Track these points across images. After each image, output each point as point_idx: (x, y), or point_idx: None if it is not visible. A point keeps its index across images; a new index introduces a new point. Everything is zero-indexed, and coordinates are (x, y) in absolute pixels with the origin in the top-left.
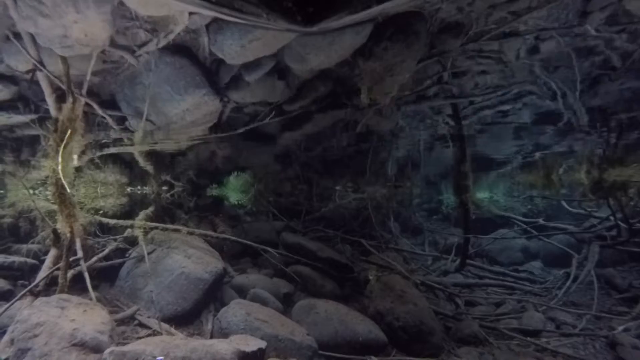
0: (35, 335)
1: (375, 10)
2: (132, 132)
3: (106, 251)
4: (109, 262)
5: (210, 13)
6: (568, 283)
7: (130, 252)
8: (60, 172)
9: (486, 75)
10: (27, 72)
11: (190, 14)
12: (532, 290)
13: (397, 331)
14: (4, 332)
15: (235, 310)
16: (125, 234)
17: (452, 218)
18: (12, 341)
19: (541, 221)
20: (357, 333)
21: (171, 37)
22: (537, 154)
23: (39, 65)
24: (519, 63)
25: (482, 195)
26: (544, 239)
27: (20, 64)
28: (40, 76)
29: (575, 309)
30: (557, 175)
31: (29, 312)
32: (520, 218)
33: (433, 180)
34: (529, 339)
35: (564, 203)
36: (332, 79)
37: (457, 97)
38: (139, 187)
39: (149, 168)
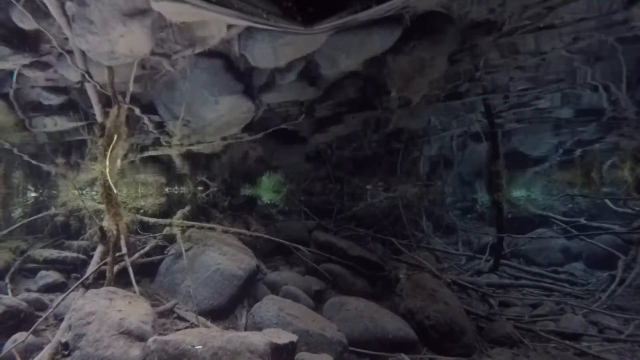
0: (89, 323)
1: (376, 9)
2: (170, 134)
3: (147, 248)
4: (150, 259)
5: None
6: (613, 286)
7: (168, 249)
8: (107, 174)
9: (521, 70)
10: (77, 82)
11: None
12: (572, 292)
13: (428, 330)
14: (61, 320)
15: (268, 306)
16: (164, 232)
17: (486, 217)
18: (69, 327)
19: (582, 220)
20: (387, 330)
21: (208, 46)
22: (578, 151)
23: (87, 76)
24: (557, 56)
25: (518, 193)
26: (586, 239)
27: (71, 74)
28: (88, 85)
29: (622, 314)
30: (599, 172)
31: (82, 302)
32: (560, 217)
33: (467, 178)
34: (567, 342)
35: (608, 202)
36: (361, 79)
37: (490, 93)
38: (176, 188)
39: (186, 169)
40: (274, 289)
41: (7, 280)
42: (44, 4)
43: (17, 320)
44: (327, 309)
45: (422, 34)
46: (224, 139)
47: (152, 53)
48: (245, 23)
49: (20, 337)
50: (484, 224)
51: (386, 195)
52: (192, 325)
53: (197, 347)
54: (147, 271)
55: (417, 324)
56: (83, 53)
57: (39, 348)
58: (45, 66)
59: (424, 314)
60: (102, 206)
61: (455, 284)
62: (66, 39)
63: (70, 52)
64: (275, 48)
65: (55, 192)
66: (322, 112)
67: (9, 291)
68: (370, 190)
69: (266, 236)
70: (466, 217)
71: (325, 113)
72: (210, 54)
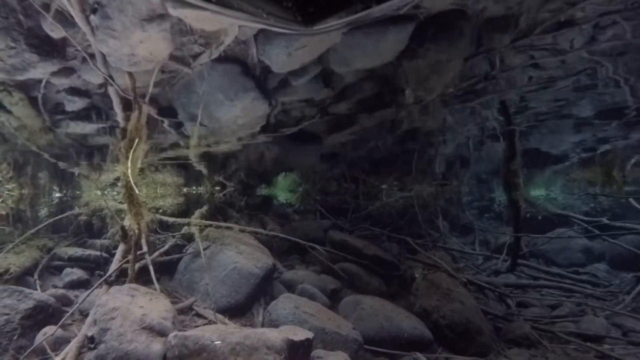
0: (113, 318)
1: (377, 9)
2: (188, 136)
3: (166, 247)
4: (169, 257)
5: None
6: (638, 288)
7: (187, 248)
8: (129, 175)
9: (539, 68)
10: (100, 86)
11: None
12: (593, 294)
13: (443, 329)
14: (86, 315)
15: (284, 304)
16: (183, 231)
17: (504, 216)
18: (95, 322)
19: (605, 220)
20: (402, 329)
21: (222, 48)
22: (600, 148)
23: (109, 80)
24: (577, 52)
25: (537, 192)
26: (609, 239)
27: (93, 78)
28: (110, 89)
29: None
30: (622, 171)
31: (106, 298)
32: (581, 217)
33: (484, 177)
34: (588, 344)
35: (632, 201)
36: (376, 79)
37: (507, 91)
38: (194, 188)
39: (203, 169)
40: (290, 287)
41: (35, 276)
42: (70, 14)
43: (46, 314)
44: (343, 308)
45: (437, 33)
46: (240, 139)
47: (171, 57)
48: (246, 24)
49: (49, 330)
50: (501, 224)
51: (401, 195)
52: (210, 322)
53: (216, 342)
54: (166, 269)
55: (432, 323)
56: (104, 57)
57: (66, 341)
58: (70, 72)
59: (440, 313)
60: (123, 206)
61: (472, 283)
62: (89, 45)
63: (93, 57)
64: (290, 52)
65: (78, 192)
66: (337, 112)
67: (38, 287)
68: (385, 190)
69: (282, 235)
70: (483, 217)
71: (341, 113)
72: (226, 57)
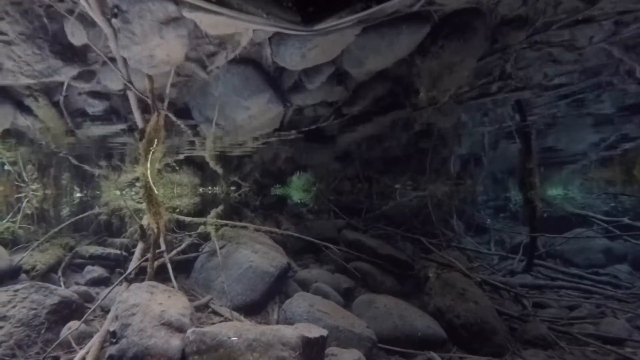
0: (133, 314)
1: (377, 9)
2: (204, 137)
3: (183, 245)
4: (185, 256)
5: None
6: None
7: (203, 246)
8: (149, 176)
9: (556, 65)
10: (119, 89)
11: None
12: (614, 295)
13: (458, 329)
14: (106, 311)
15: (299, 302)
16: (199, 231)
17: (520, 216)
18: (116, 317)
19: (626, 220)
20: (416, 328)
21: (238, 51)
22: (622, 147)
23: (129, 84)
24: (595, 48)
25: (554, 192)
26: (631, 240)
27: (113, 82)
28: (129, 92)
29: None
30: None
31: (127, 294)
32: (600, 217)
33: (499, 176)
34: (609, 346)
35: None
36: (390, 79)
37: (522, 89)
38: (209, 188)
39: (219, 170)
40: (305, 286)
41: (59, 273)
42: (92, 20)
43: (70, 309)
44: (357, 307)
45: (451, 32)
46: (255, 140)
47: (187, 59)
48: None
49: (73, 325)
50: (517, 223)
51: (415, 195)
52: (227, 320)
53: (233, 338)
54: (183, 268)
55: (446, 323)
56: (125, 62)
57: (89, 335)
58: (90, 76)
59: (454, 312)
60: (142, 205)
61: (487, 283)
62: (110, 50)
63: (113, 61)
64: (304, 53)
65: (98, 192)
66: (350, 112)
67: (62, 284)
68: (399, 190)
69: (296, 235)
70: (499, 216)
71: (354, 113)
72: (241, 58)
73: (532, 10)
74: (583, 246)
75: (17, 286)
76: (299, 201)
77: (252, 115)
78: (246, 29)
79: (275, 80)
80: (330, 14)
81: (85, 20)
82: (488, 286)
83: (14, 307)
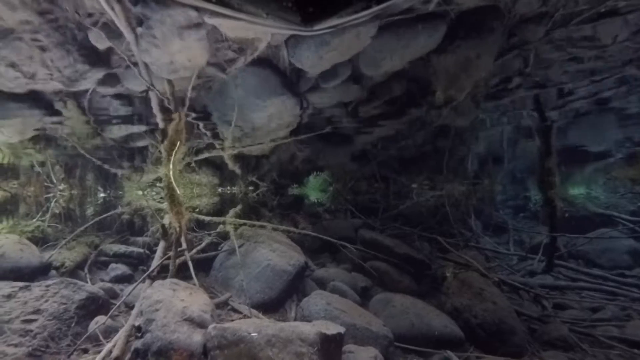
0: (157, 310)
1: (377, 9)
2: (222, 138)
3: (203, 244)
4: (205, 254)
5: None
6: None
7: (222, 245)
8: (171, 176)
9: (578, 62)
10: (141, 92)
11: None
12: None
13: (475, 328)
14: (131, 307)
15: (316, 300)
16: (218, 230)
17: (540, 216)
18: (141, 313)
19: None
20: (432, 327)
21: (256, 54)
22: None
23: (151, 87)
24: (620, 45)
25: (576, 191)
26: None
27: (135, 86)
28: (151, 95)
29: None
30: None
31: (151, 291)
32: (626, 217)
33: (518, 175)
34: (635, 350)
35: None
36: (406, 78)
37: (542, 87)
38: (228, 188)
39: (237, 170)
40: (322, 284)
41: (85, 270)
42: (116, 26)
43: (96, 305)
44: (373, 305)
45: (467, 31)
46: (272, 140)
47: (208, 63)
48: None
49: (100, 319)
50: (537, 223)
51: (432, 194)
52: (245, 317)
53: (253, 334)
54: (202, 266)
55: (463, 322)
56: (146, 65)
57: (115, 330)
58: (114, 80)
59: (471, 312)
60: (163, 205)
61: (505, 283)
62: (132, 55)
63: (136, 66)
64: (320, 55)
65: (120, 192)
66: (367, 111)
67: (88, 280)
68: (416, 189)
69: (314, 234)
70: (518, 216)
71: (371, 113)
72: (259, 60)
73: (552, 7)
74: (607, 247)
75: (48, 282)
76: (316, 201)
77: (270, 116)
78: (265, 33)
79: (293, 82)
80: (330, 14)
81: (109, 27)
82: (506, 286)
83: (46, 301)
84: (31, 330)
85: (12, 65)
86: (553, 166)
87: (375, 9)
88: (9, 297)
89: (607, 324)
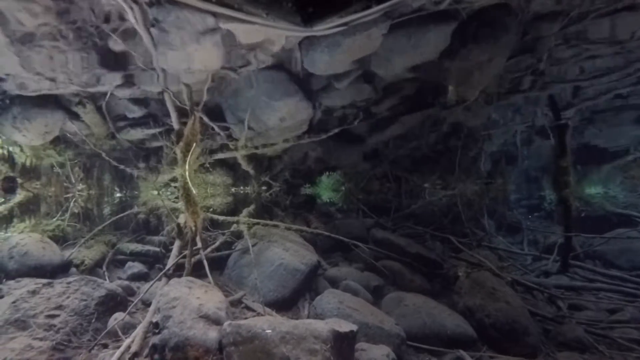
0: (174, 307)
1: (377, 9)
2: (236, 138)
3: (217, 243)
4: (219, 253)
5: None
6: None
7: (236, 244)
8: (187, 176)
9: (595, 59)
10: (158, 94)
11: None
12: None
13: (488, 328)
14: (147, 304)
15: (329, 299)
16: (232, 229)
17: (555, 216)
18: (158, 309)
19: None
20: (445, 326)
21: (270, 58)
22: None
23: (167, 90)
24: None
25: (593, 190)
26: None
27: (151, 88)
28: (166, 97)
29: None
30: None
31: (167, 288)
32: None
33: (533, 175)
34: None
35: None
36: (418, 78)
37: (556, 84)
38: (241, 188)
39: (250, 170)
40: (334, 283)
41: (104, 268)
42: (134, 31)
43: (115, 302)
44: (386, 304)
45: (479, 30)
46: (285, 141)
47: (222, 67)
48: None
49: (119, 316)
50: (552, 223)
51: (445, 194)
52: (259, 315)
53: (267, 331)
54: (216, 265)
55: (476, 322)
56: (164, 70)
57: (133, 326)
58: (131, 84)
59: (484, 312)
60: (178, 205)
61: (519, 283)
62: (150, 59)
63: (153, 69)
64: (332, 57)
65: (136, 192)
66: (379, 111)
67: (106, 278)
68: (428, 189)
69: (326, 233)
70: (532, 216)
71: (383, 112)
72: (272, 62)
73: (567, 5)
74: (626, 247)
75: (69, 279)
76: (328, 200)
77: (282, 117)
78: (279, 36)
79: (305, 83)
80: (330, 14)
81: (127, 33)
82: (520, 286)
83: (67, 297)
84: (54, 325)
85: (34, 69)
86: (568, 165)
87: (376, 8)
88: (34, 293)
89: (625, 326)
